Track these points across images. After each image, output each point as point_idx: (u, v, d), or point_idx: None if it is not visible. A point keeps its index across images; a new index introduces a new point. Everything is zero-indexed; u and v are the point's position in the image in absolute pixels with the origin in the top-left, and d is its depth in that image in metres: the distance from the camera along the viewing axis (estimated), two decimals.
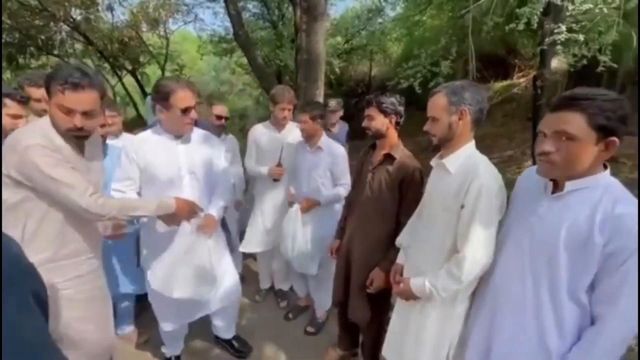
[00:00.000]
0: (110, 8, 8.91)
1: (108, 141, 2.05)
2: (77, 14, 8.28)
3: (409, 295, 1.32)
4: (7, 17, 7.18)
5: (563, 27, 2.96)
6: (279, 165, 2.38)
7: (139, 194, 1.71)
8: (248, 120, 10.62)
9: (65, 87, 1.16)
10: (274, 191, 2.49)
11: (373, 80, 12.22)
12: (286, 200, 2.43)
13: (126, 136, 2.33)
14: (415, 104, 5.01)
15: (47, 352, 0.52)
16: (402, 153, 1.64)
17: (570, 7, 2.88)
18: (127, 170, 1.64)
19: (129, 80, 10.84)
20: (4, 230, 0.56)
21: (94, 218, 1.30)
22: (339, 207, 2.26)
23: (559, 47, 3.13)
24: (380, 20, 9.69)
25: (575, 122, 0.88)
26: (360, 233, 1.75)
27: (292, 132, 2.43)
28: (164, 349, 2.06)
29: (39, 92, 1.85)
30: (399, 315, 1.48)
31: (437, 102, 1.24)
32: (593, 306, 0.91)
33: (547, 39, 3.17)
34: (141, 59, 10.66)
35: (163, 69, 11.19)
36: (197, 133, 1.79)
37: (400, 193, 1.63)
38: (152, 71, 11.78)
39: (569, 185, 0.95)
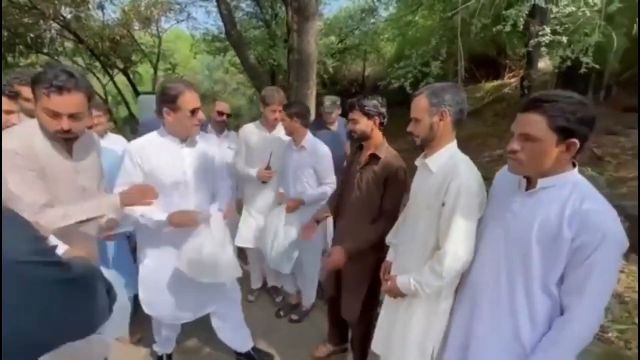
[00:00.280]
0: (101, 6, 8.83)
1: None
2: (67, 12, 8.18)
3: (396, 293, 1.35)
4: None
5: (547, 29, 3.04)
6: (268, 167, 2.39)
7: None
8: (242, 120, 10.60)
9: (51, 90, 1.14)
10: (264, 191, 2.52)
11: (367, 80, 12.28)
12: (276, 200, 2.46)
13: (112, 137, 2.32)
14: (407, 103, 5.05)
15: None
16: (386, 152, 1.67)
17: (555, 9, 2.96)
18: (130, 174, 1.60)
19: (120, 79, 10.74)
20: None
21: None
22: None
23: (543, 48, 3.20)
24: (373, 20, 9.75)
25: (537, 124, 0.92)
26: (351, 231, 1.78)
27: (283, 133, 2.46)
28: (155, 347, 2.07)
29: (29, 91, 1.84)
30: (387, 311, 1.53)
31: (419, 104, 1.28)
32: (562, 297, 0.96)
33: (532, 41, 3.25)
34: (133, 58, 10.56)
35: (155, 68, 11.11)
36: (201, 136, 1.78)
37: (384, 190, 1.67)
38: (145, 70, 11.68)
39: (540, 182, 0.99)
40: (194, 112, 1.57)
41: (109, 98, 11.67)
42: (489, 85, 8.81)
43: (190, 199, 1.67)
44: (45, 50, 8.68)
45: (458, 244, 1.17)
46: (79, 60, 10.07)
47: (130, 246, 2.27)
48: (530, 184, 1.03)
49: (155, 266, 1.73)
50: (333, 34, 10.52)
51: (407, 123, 1.36)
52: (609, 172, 3.74)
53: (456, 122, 1.28)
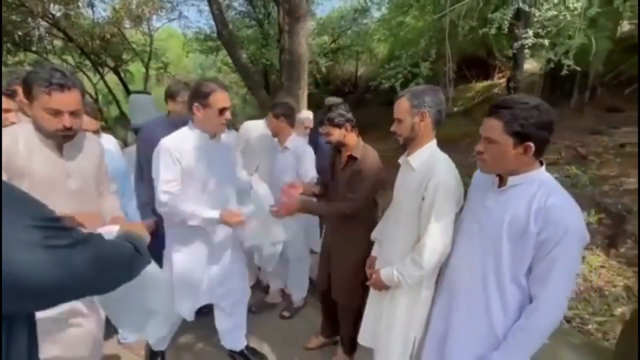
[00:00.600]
0: (91, 4, 8.73)
1: None
2: (56, 10, 8.08)
3: (381, 286, 1.43)
4: None
5: (530, 32, 3.13)
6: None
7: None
8: (236, 119, 10.56)
9: (51, 88, 1.15)
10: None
11: (359, 80, 12.36)
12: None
13: (104, 136, 2.33)
14: None
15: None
16: (362, 151, 1.77)
17: (537, 13, 3.05)
18: (172, 170, 1.63)
19: (111, 77, 10.62)
20: None
21: None
22: None
23: (527, 50, 3.30)
24: (365, 20, 9.82)
25: (496, 129, 1.00)
26: (339, 229, 1.87)
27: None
28: (151, 342, 2.05)
29: None
30: (372, 304, 1.60)
31: (401, 106, 1.35)
32: (530, 288, 1.03)
33: (516, 43, 3.34)
34: (124, 56, 10.47)
35: (147, 67, 11.02)
36: (224, 135, 1.85)
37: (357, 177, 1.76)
38: (136, 69, 11.58)
39: (510, 180, 1.05)
40: (222, 111, 1.64)
41: (100, 97, 11.53)
42: (480, 85, 8.96)
43: (217, 194, 1.73)
44: (33, 49, 8.55)
45: (436, 236, 1.24)
46: (69, 58, 9.94)
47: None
48: (502, 182, 1.10)
49: (187, 262, 1.77)
50: (326, 33, 10.57)
51: None
52: (592, 170, 3.85)
53: (436, 122, 1.36)
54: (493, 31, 3.26)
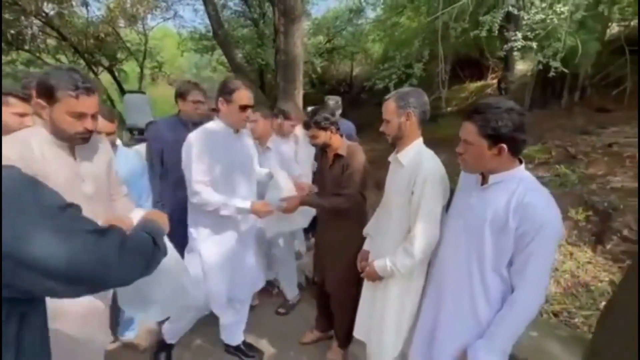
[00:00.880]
0: (85, 3, 8.68)
1: None
2: (49, 9, 8.02)
3: (374, 277, 1.50)
4: None
5: (519, 35, 3.21)
6: None
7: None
8: None
9: (79, 92, 1.15)
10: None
11: (354, 80, 12.41)
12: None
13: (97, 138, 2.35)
14: None
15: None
16: (347, 150, 1.86)
17: (526, 17, 3.13)
18: (204, 161, 1.71)
19: (105, 77, 10.56)
20: None
21: None
22: None
23: (516, 53, 3.38)
24: (361, 21, 9.88)
25: (470, 132, 1.08)
26: (330, 224, 1.94)
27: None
28: (164, 334, 2.05)
29: None
30: (366, 296, 1.67)
31: (388, 107, 1.45)
32: (511, 278, 1.09)
33: (506, 46, 3.42)
34: (119, 56, 10.42)
35: (142, 66, 10.98)
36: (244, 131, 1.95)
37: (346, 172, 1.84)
38: (131, 68, 11.52)
39: (491, 178, 1.12)
40: (243, 108, 1.73)
41: None
42: (473, 85, 9.06)
43: (240, 186, 1.81)
44: (26, 47, 8.48)
45: (425, 226, 1.33)
46: (62, 57, 9.86)
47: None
48: (484, 180, 1.16)
49: (216, 250, 1.83)
50: (321, 33, 10.61)
51: None
52: (581, 169, 3.94)
53: (420, 122, 1.45)
54: (484, 33, 3.35)
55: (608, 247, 3.00)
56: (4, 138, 1.18)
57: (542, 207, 1.02)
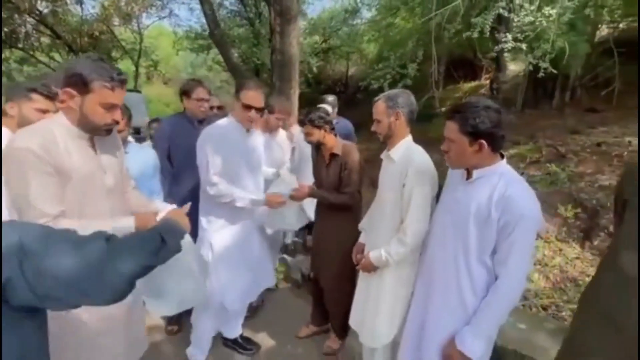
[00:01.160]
0: (79, 1, 8.64)
1: None
2: (43, 7, 7.97)
3: (370, 268, 1.57)
4: None
5: (509, 37, 3.29)
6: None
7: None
8: None
9: (114, 84, 1.15)
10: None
11: (350, 80, 12.47)
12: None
13: None
14: None
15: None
16: (342, 149, 1.94)
17: (516, 19, 3.20)
18: (220, 154, 1.77)
19: None
20: None
21: None
22: None
23: (507, 54, 3.45)
24: (356, 21, 9.92)
25: (452, 130, 1.16)
26: (327, 221, 2.01)
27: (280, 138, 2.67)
28: (192, 351, 2.01)
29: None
30: (361, 287, 1.73)
31: (378, 108, 1.54)
32: (495, 267, 1.15)
33: (497, 47, 3.50)
34: (113, 54, 10.37)
35: (137, 65, 10.93)
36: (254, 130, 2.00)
37: (344, 171, 1.92)
38: (126, 66, 11.45)
39: (475, 173, 1.19)
40: (247, 107, 1.79)
41: None
42: (467, 86, 9.15)
43: (248, 182, 1.88)
44: (20, 45, 8.41)
45: (417, 215, 1.42)
46: (56, 56, 9.80)
47: None
48: (469, 175, 1.23)
49: (229, 241, 1.87)
50: (317, 33, 10.64)
51: None
52: (570, 168, 4.04)
53: (409, 121, 1.54)
54: (476, 35, 3.42)
55: (595, 243, 3.08)
56: (24, 129, 1.15)
57: (522, 199, 1.08)
